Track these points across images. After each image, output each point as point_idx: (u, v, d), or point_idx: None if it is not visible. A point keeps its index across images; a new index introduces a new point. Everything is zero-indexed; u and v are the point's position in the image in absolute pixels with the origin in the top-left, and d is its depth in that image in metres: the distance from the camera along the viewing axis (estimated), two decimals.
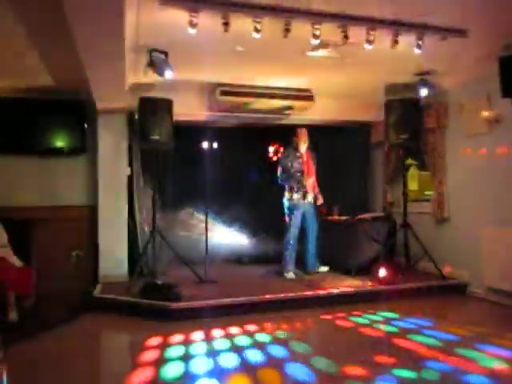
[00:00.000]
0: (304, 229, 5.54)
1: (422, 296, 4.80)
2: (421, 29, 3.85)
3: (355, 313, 4.26)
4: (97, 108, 5.31)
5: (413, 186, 6.44)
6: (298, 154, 5.47)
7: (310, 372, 2.92)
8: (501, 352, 3.22)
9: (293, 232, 5.42)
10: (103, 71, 4.05)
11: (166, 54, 4.18)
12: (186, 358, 3.22)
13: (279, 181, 5.56)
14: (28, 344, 3.53)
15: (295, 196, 5.41)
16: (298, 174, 5.42)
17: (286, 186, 5.47)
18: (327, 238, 5.84)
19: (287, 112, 5.81)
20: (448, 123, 5.48)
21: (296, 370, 2.98)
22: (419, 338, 3.52)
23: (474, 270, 4.92)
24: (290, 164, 5.43)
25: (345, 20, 3.63)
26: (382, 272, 4.96)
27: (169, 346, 3.47)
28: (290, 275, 5.35)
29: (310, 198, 5.48)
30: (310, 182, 5.48)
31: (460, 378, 2.81)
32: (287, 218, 5.49)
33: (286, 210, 5.51)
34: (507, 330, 3.77)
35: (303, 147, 5.49)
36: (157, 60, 4.15)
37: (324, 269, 5.66)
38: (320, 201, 5.57)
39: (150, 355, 3.28)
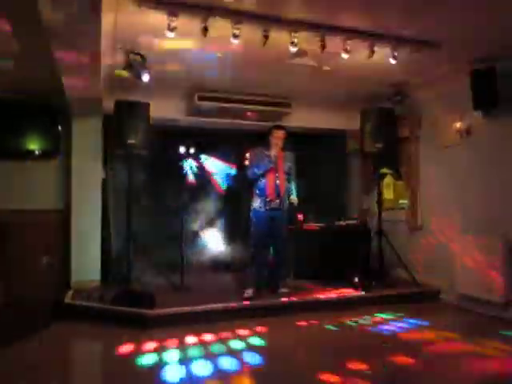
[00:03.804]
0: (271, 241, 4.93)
1: (395, 303, 4.86)
2: (395, 41, 3.94)
3: (329, 320, 4.27)
4: (71, 110, 5.21)
5: (388, 194, 6.54)
6: (266, 153, 4.83)
7: (284, 378, 2.91)
8: (470, 358, 3.28)
9: (254, 245, 4.81)
10: (78, 73, 3.99)
11: (143, 56, 4.15)
12: (159, 365, 3.16)
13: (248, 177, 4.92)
14: None
15: (257, 203, 4.81)
16: (261, 175, 4.78)
17: (253, 193, 4.89)
18: (303, 246, 5.86)
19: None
20: (421, 133, 5.60)
21: (269, 376, 2.96)
22: (392, 344, 3.56)
23: (446, 277, 5.02)
24: (254, 162, 4.85)
25: (322, 29, 3.68)
26: (357, 279, 5.00)
27: (142, 353, 3.40)
28: (248, 292, 4.68)
29: (274, 204, 4.77)
30: (275, 185, 4.76)
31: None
32: (251, 228, 4.86)
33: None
34: (477, 336, 3.86)
35: (275, 149, 4.84)
36: (134, 63, 4.12)
37: (284, 290, 4.89)
38: (294, 201, 4.90)
39: (122, 364, 3.21)
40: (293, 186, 4.99)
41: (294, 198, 4.92)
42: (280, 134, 4.86)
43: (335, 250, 5.67)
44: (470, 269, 4.60)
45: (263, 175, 4.78)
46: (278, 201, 4.79)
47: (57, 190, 5.50)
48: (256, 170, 4.79)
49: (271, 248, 5.00)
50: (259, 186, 4.81)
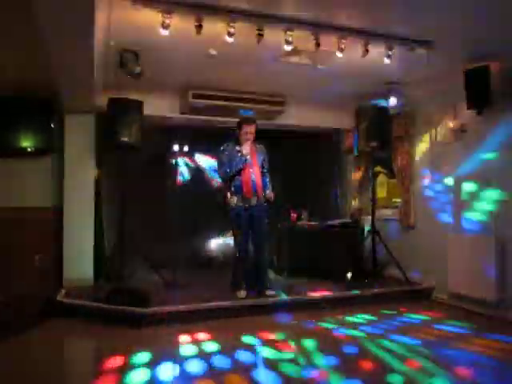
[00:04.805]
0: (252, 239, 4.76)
1: (388, 301, 4.88)
2: (390, 40, 3.95)
3: (324, 318, 4.29)
4: (64, 107, 5.17)
5: (381, 192, 6.56)
6: (237, 148, 4.67)
7: (278, 377, 2.92)
8: (463, 356, 3.30)
9: (238, 244, 4.67)
10: (72, 70, 3.95)
11: (136, 54, 4.12)
12: (152, 364, 3.15)
13: (220, 178, 4.85)
14: None
15: (233, 200, 4.65)
16: (235, 174, 4.62)
17: (229, 190, 4.73)
18: (296, 244, 5.86)
19: None
20: (416, 132, 5.62)
21: (264, 375, 2.97)
22: (385, 343, 3.58)
23: (438, 275, 5.04)
24: (225, 160, 4.67)
25: (316, 28, 3.68)
26: (350, 277, 5.02)
27: (135, 352, 3.38)
28: (241, 294, 4.59)
29: (252, 201, 4.64)
30: (251, 182, 4.62)
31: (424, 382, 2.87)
32: (233, 229, 4.75)
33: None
34: (468, 334, 3.88)
35: (246, 145, 4.65)
36: (127, 60, 4.09)
37: (270, 292, 4.67)
38: (270, 197, 4.73)
39: (115, 362, 3.20)
40: (267, 179, 4.82)
41: (269, 193, 4.74)
42: (251, 128, 4.64)
43: (328, 249, 5.67)
44: (462, 267, 4.63)
45: (238, 172, 4.63)
46: (255, 197, 4.64)
47: (49, 188, 5.45)
48: (228, 170, 4.64)
49: (253, 247, 4.80)
50: (235, 184, 4.64)
